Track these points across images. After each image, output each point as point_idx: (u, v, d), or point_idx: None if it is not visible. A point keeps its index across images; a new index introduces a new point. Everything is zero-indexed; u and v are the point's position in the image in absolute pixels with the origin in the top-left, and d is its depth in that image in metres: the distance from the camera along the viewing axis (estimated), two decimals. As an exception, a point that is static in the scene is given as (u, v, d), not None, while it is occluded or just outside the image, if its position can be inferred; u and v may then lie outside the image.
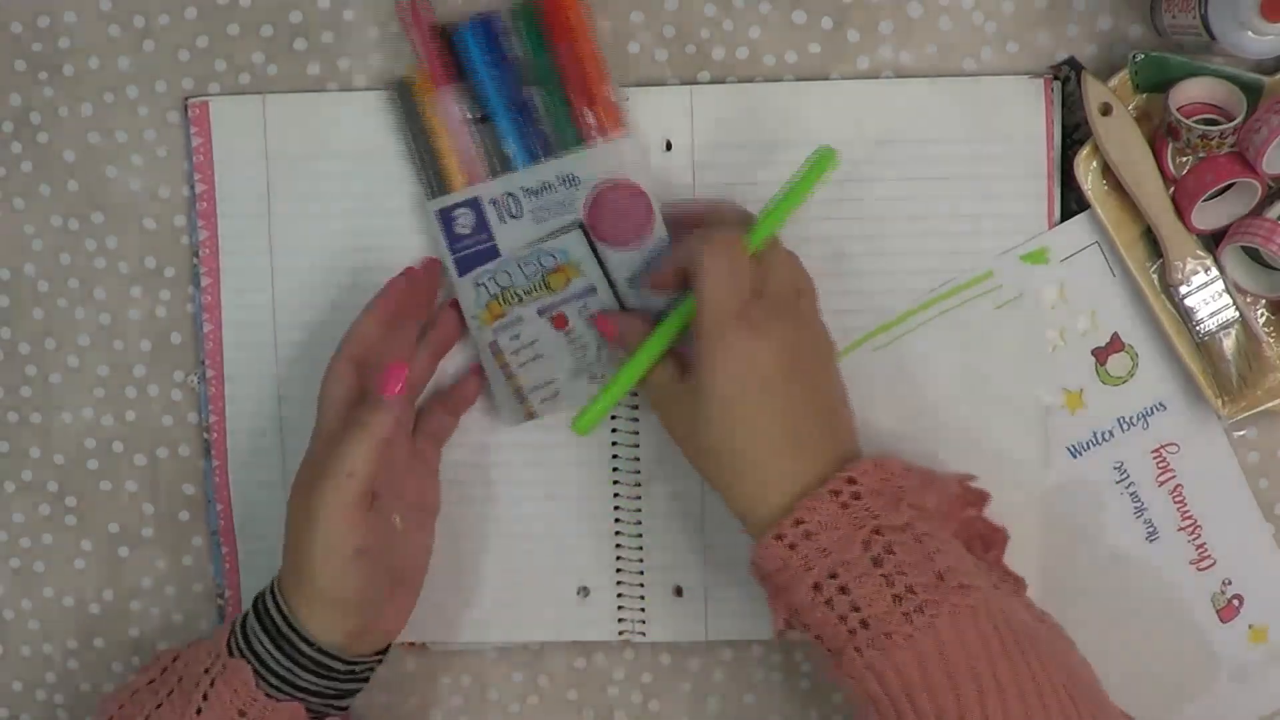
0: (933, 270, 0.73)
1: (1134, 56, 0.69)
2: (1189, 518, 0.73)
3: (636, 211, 0.70)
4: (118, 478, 0.77)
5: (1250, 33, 0.64)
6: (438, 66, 0.70)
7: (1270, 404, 0.71)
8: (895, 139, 0.72)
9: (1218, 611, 0.74)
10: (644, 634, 0.75)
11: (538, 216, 0.70)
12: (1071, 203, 0.72)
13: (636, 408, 0.74)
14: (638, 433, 0.74)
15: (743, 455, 0.61)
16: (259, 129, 0.74)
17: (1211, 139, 0.67)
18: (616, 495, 0.75)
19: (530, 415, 0.73)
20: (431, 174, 0.71)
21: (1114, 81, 0.69)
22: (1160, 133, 0.69)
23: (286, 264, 0.74)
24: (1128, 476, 0.73)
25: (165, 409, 0.76)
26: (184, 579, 0.77)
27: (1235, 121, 0.67)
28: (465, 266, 0.71)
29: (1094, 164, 0.70)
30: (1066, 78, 0.72)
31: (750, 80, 0.73)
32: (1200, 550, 0.73)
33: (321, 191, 0.73)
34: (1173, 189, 0.70)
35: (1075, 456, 0.73)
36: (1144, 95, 0.70)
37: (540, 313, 0.71)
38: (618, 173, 0.70)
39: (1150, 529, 0.73)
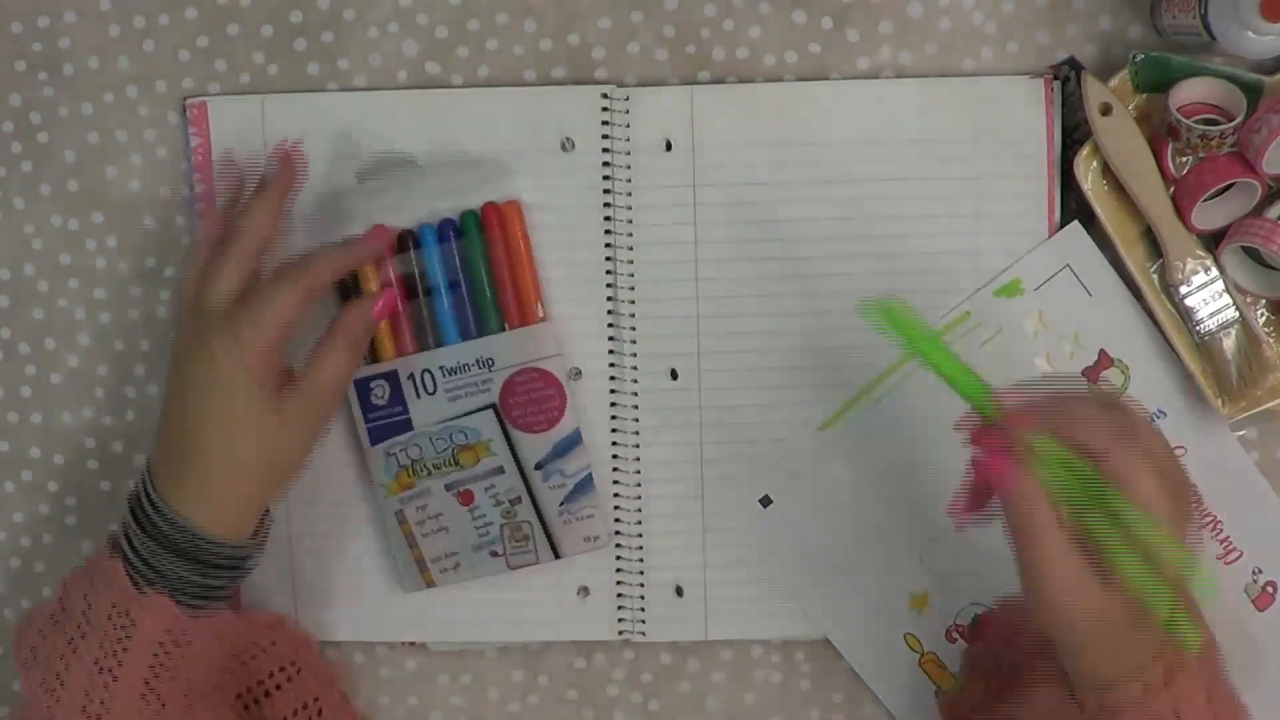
0: (941, 288, 0.73)
1: (1134, 56, 0.69)
2: (1208, 515, 0.73)
3: (548, 398, 0.72)
4: (117, 478, 0.77)
5: (1250, 33, 0.64)
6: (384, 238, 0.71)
7: (1270, 404, 0.71)
8: (895, 139, 0.72)
9: (1253, 601, 0.74)
10: (644, 634, 0.75)
11: (452, 395, 0.72)
12: (1071, 203, 0.72)
13: (638, 408, 0.74)
14: (639, 433, 0.74)
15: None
16: (258, 129, 0.74)
17: (1211, 139, 0.67)
18: (617, 495, 0.75)
19: (430, 584, 0.74)
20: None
21: (1114, 81, 0.69)
22: (1160, 133, 0.69)
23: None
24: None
25: (165, 409, 0.76)
26: (184, 579, 0.77)
27: (1235, 121, 0.67)
28: (378, 437, 0.72)
29: (1094, 164, 0.70)
30: (1066, 78, 0.72)
31: (750, 80, 0.73)
32: (1225, 544, 0.73)
33: (320, 191, 0.73)
34: (1173, 189, 0.70)
35: None
36: (1144, 95, 0.70)
37: (448, 488, 0.73)
38: (532, 358, 0.71)
39: None
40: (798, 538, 0.74)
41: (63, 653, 0.65)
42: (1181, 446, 0.73)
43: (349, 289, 0.72)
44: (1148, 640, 0.55)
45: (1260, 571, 0.73)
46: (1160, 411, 0.73)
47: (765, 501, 0.74)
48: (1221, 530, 0.73)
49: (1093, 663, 0.56)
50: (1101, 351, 0.73)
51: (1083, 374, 0.73)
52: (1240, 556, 0.73)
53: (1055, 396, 0.56)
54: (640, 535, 0.75)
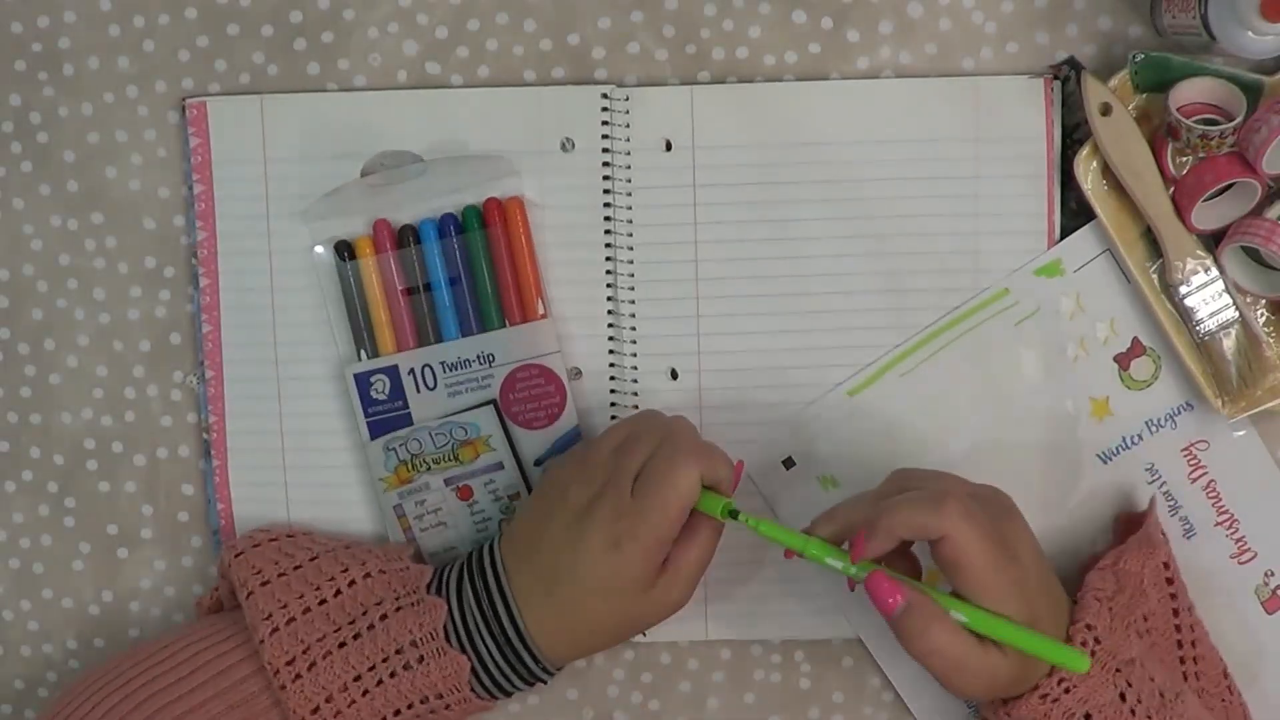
0: (941, 289, 0.73)
1: (1134, 56, 0.69)
2: (1225, 512, 0.73)
3: (548, 394, 0.72)
4: (117, 478, 0.76)
5: (1250, 33, 0.64)
6: (384, 233, 0.73)
7: (1270, 404, 0.71)
8: (895, 139, 0.72)
9: (1263, 603, 0.73)
10: (644, 634, 0.75)
11: (452, 390, 0.72)
12: (1071, 202, 0.72)
13: (638, 408, 0.74)
14: (638, 433, 0.74)
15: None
16: (257, 129, 0.74)
17: (1211, 139, 0.67)
18: (616, 495, 0.75)
19: None
20: (365, 336, 0.73)
21: (1114, 81, 0.69)
22: (1160, 133, 0.69)
23: (285, 264, 0.74)
24: (1159, 476, 0.73)
25: (165, 409, 0.76)
26: (183, 580, 0.77)
27: (1235, 121, 0.67)
28: (377, 431, 0.73)
29: (1094, 164, 0.70)
30: (1066, 78, 0.72)
31: (750, 80, 0.73)
32: (1240, 544, 0.73)
33: (320, 192, 0.73)
34: (1173, 189, 0.70)
35: (1105, 463, 0.73)
36: (1144, 95, 0.70)
37: (447, 483, 0.73)
38: (533, 354, 0.72)
39: (1187, 526, 0.73)
40: (819, 501, 0.74)
41: (327, 642, 0.65)
42: (1204, 440, 0.73)
43: (345, 255, 0.73)
44: (1039, 666, 0.63)
45: (1273, 574, 0.73)
46: (1188, 404, 0.73)
47: (789, 463, 0.74)
48: (1237, 529, 0.73)
49: (998, 692, 0.64)
50: (1135, 339, 0.72)
51: (1114, 360, 0.73)
52: (1254, 558, 0.73)
53: (874, 514, 0.62)
54: (640, 535, 0.75)
